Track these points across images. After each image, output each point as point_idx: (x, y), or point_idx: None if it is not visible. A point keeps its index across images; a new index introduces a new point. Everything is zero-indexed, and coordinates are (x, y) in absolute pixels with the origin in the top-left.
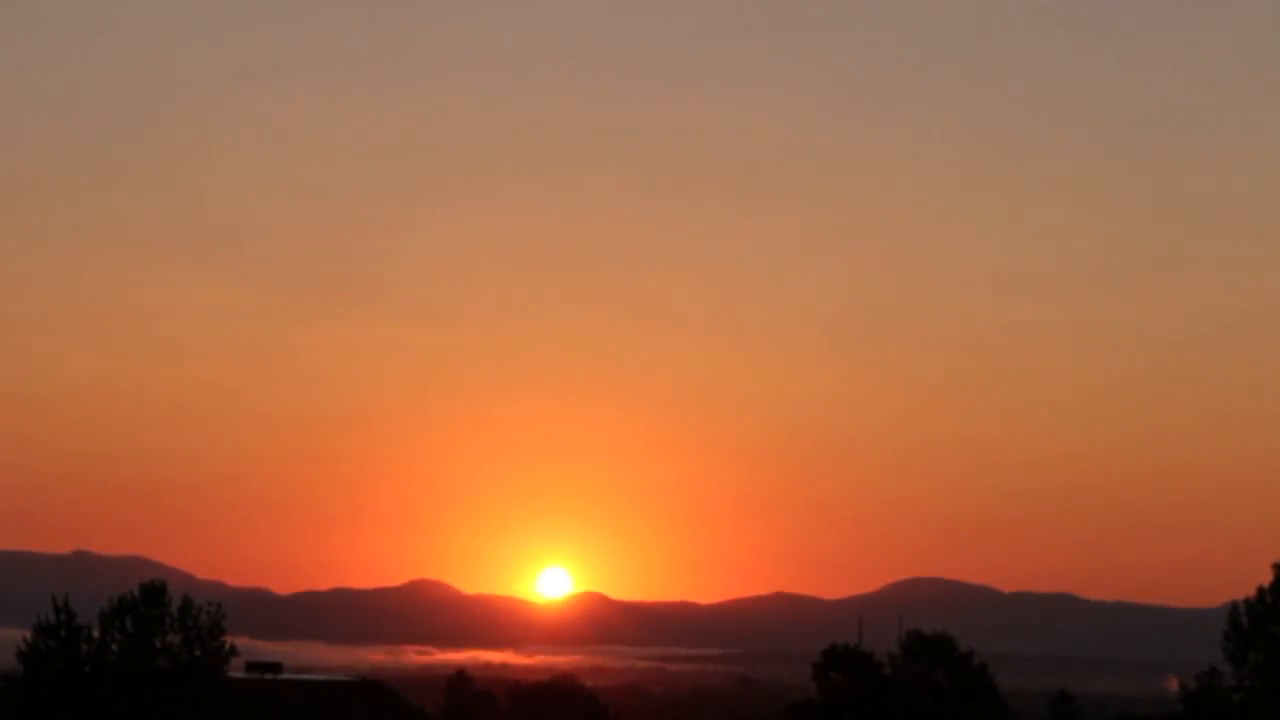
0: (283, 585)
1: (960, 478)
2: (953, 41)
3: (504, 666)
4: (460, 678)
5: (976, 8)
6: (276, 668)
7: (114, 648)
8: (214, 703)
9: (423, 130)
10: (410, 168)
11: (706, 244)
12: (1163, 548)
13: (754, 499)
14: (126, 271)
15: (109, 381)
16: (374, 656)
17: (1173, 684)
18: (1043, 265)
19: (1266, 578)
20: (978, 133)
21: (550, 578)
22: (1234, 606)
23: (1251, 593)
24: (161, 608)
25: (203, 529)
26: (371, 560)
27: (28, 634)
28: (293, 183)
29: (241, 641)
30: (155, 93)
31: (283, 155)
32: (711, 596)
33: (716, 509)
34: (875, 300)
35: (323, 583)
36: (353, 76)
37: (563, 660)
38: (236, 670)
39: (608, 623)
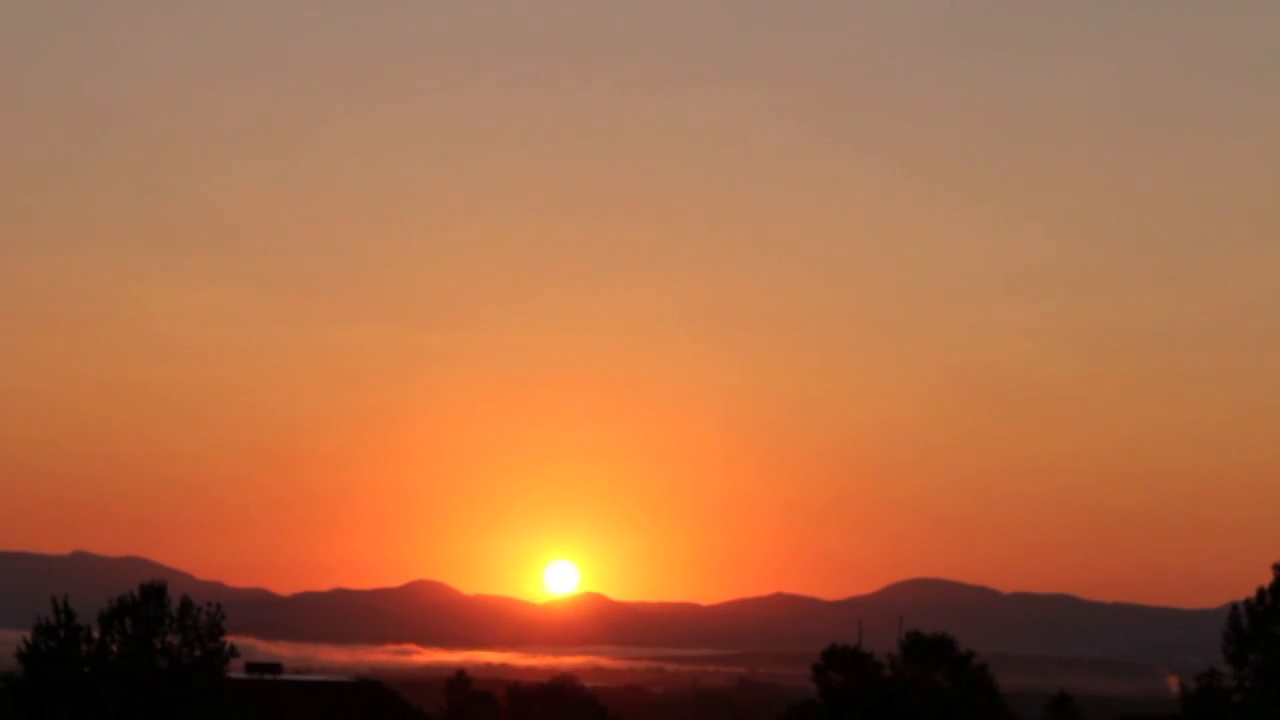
0: (283, 585)
1: (960, 479)
2: (950, 39)
3: (504, 667)
4: (460, 678)
5: (975, 5)
6: (276, 668)
7: (114, 649)
8: (214, 703)
9: (421, 130)
10: (411, 168)
11: (710, 245)
12: (1162, 549)
13: (754, 500)
14: (126, 272)
15: (109, 381)
16: (374, 656)
17: (1173, 684)
18: (1043, 265)
19: (1266, 579)
20: (977, 132)
21: (551, 578)
22: (1234, 608)
23: (1251, 594)
24: (161, 608)
25: (202, 530)
26: (371, 560)
27: (28, 634)
28: (293, 184)
29: (241, 642)
30: (154, 92)
31: (282, 156)
32: (712, 597)
33: (717, 510)
34: (875, 302)
35: (323, 583)
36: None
37: (563, 661)
38: (236, 670)
39: (608, 623)
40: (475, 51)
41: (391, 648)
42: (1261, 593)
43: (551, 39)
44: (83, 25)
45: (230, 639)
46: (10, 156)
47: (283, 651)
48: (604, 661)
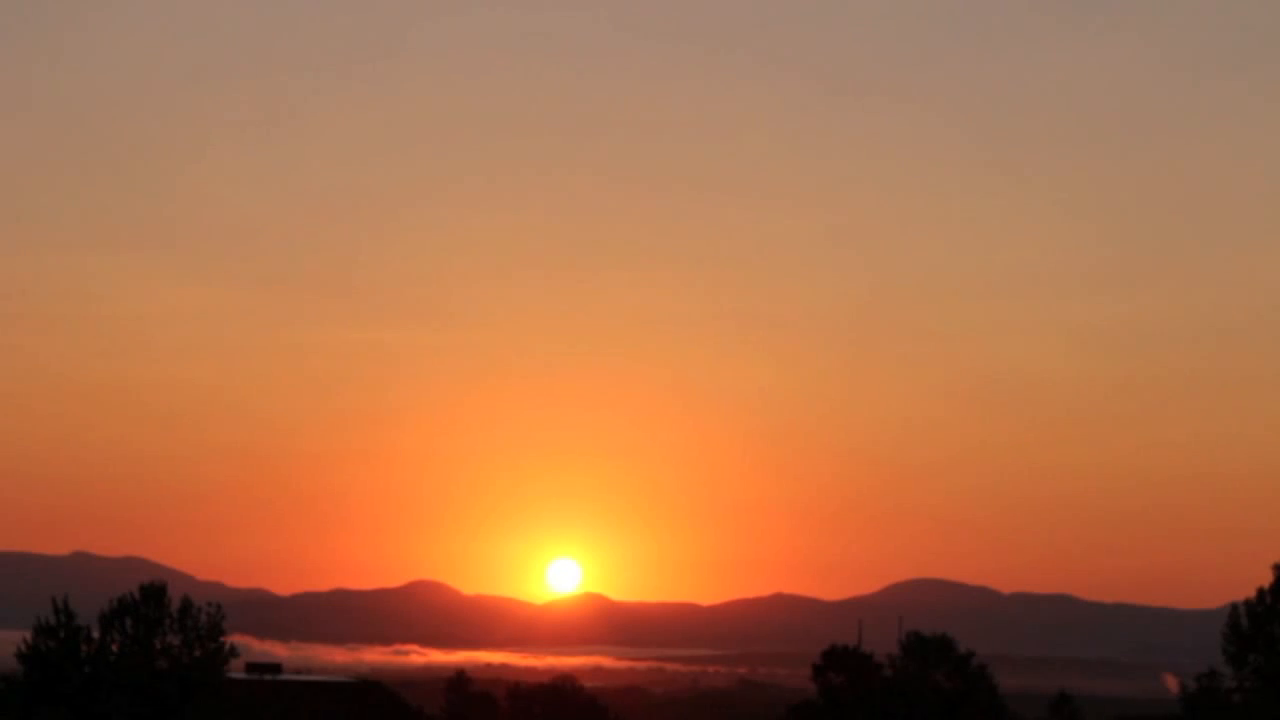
0: (283, 586)
1: (960, 480)
2: (955, 41)
3: (504, 667)
4: (460, 679)
5: (981, 6)
6: (276, 668)
7: (114, 649)
8: (214, 703)
9: (419, 131)
10: (409, 168)
11: (711, 245)
12: (1162, 549)
13: (755, 501)
14: (126, 273)
15: (109, 382)
16: (374, 656)
17: (1172, 684)
18: (1043, 266)
19: (1266, 579)
20: (981, 133)
21: (551, 578)
22: (1234, 608)
23: (1251, 594)
24: (161, 609)
25: (202, 530)
26: (371, 561)
27: (28, 634)
28: (290, 183)
29: (241, 642)
30: (151, 93)
31: (278, 157)
32: (712, 598)
33: (717, 511)
34: (877, 305)
35: (322, 583)
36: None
37: (563, 661)
38: (236, 670)
39: (609, 623)
40: (465, 47)
41: (391, 648)
42: (1261, 593)
43: (549, 38)
44: (64, 23)
45: (230, 639)
46: (10, 157)
47: (282, 651)
48: (604, 662)
